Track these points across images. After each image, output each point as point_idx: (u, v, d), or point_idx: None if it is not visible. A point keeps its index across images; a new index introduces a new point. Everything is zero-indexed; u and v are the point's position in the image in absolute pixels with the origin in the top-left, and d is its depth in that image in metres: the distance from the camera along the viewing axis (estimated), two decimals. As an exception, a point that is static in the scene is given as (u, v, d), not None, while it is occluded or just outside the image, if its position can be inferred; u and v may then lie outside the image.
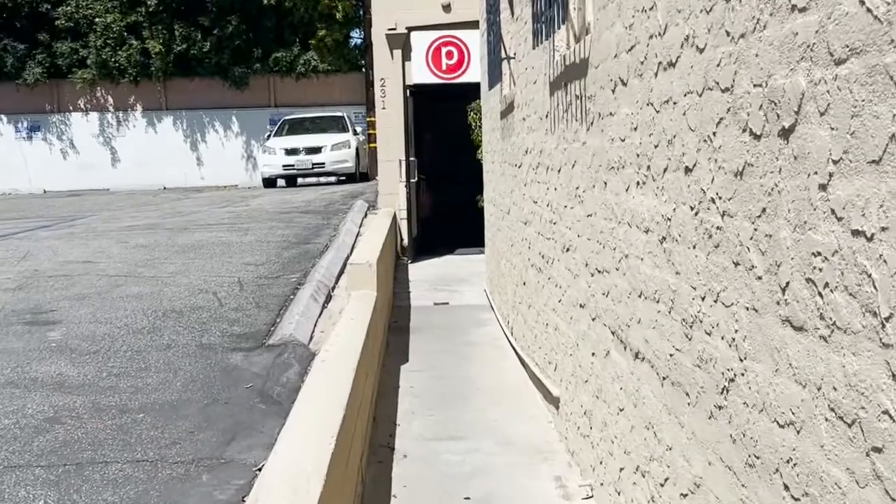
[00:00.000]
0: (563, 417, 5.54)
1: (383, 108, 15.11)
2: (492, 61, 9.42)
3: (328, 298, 7.24)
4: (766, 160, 2.19)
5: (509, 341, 8.89)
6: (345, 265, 8.59)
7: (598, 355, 4.45)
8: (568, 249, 5.26)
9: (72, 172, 27.34)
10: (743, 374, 2.42)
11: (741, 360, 2.42)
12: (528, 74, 6.63)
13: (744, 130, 2.33)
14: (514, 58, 7.84)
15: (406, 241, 14.95)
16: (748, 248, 2.33)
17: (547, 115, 5.84)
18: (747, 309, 2.36)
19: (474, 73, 15.00)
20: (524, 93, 6.98)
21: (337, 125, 23.43)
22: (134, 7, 26.41)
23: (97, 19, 26.39)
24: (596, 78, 4.13)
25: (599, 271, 4.31)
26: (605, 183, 4.06)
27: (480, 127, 13.68)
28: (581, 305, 4.85)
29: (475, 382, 7.08)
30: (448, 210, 17.75)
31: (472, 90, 14.94)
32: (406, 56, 14.96)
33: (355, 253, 8.84)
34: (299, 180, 23.02)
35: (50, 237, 11.41)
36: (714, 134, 2.57)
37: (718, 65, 2.51)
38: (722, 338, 2.57)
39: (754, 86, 2.24)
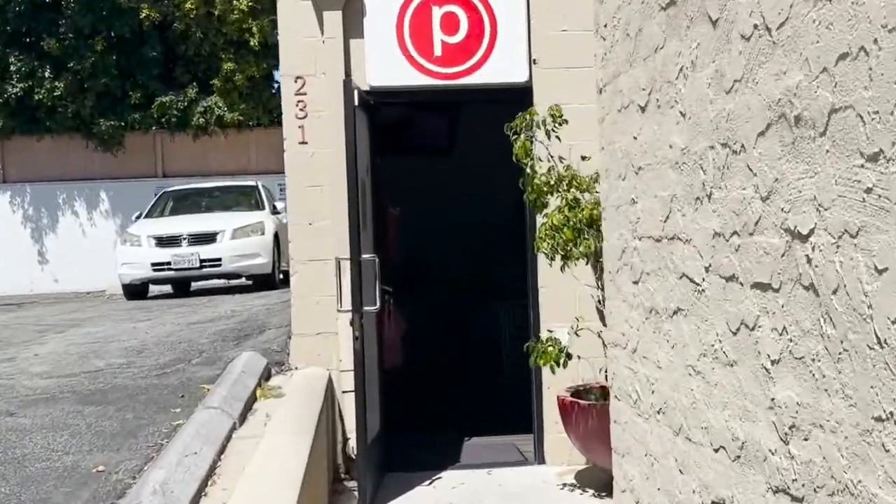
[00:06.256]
0: None
1: (302, 143, 6.73)
2: None
3: None
4: None
5: None
6: None
7: None
8: None
9: None
10: None
11: None
12: None
13: None
14: None
15: (354, 448, 6.36)
16: None
17: None
18: None
19: (508, 59, 6.75)
20: None
21: (247, 200, 15.22)
22: (-51, 33, 17.96)
23: None
24: None
25: None
26: None
27: (535, 174, 5.37)
28: None
29: None
30: (438, 350, 9.40)
31: (501, 100, 6.79)
32: (351, 28, 6.68)
33: None
34: (194, 284, 14.63)
35: None
36: None
37: None
38: None
39: None
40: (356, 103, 5.95)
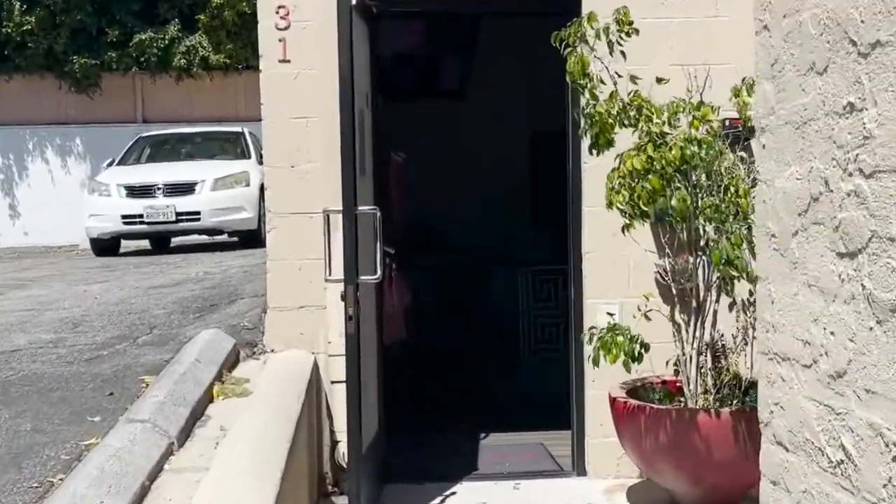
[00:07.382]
0: None
1: (283, 61, 5.23)
2: None
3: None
4: None
5: None
6: None
7: None
8: None
9: None
10: None
11: None
12: None
13: None
14: None
15: (344, 455, 4.91)
16: None
17: None
18: None
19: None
20: None
21: (232, 148, 13.84)
22: None
23: None
24: None
25: None
26: None
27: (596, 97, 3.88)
28: None
29: None
30: (442, 327, 7.95)
31: (537, 13, 5.32)
32: (350, -88, 5.14)
33: None
34: (174, 240, 13.21)
35: None
36: None
37: None
38: None
39: None
40: (353, 2, 4.43)
